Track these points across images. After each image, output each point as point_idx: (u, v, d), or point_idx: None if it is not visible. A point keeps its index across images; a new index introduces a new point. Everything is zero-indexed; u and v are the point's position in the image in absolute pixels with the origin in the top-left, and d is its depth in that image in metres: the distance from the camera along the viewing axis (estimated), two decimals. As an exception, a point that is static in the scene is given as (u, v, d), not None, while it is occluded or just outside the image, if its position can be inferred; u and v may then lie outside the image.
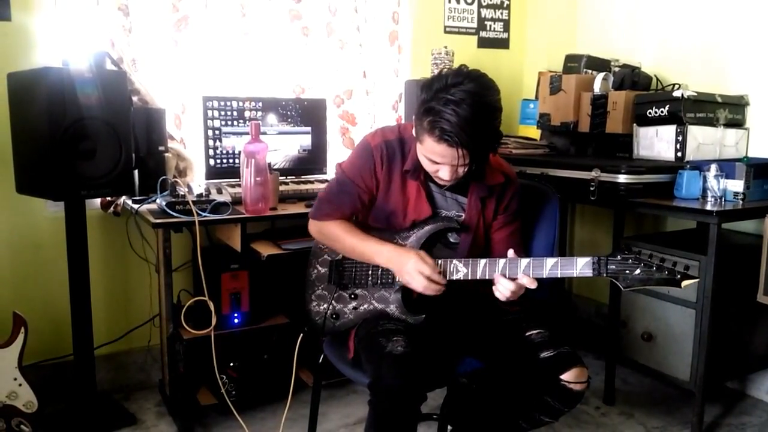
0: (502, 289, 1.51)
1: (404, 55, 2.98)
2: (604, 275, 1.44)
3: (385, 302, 1.69)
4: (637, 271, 1.42)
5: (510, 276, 1.51)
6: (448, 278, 1.57)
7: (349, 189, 1.68)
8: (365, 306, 1.71)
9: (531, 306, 1.78)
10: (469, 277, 1.55)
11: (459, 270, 1.55)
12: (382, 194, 1.70)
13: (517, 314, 1.68)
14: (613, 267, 1.43)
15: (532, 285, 1.49)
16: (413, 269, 1.56)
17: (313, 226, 1.77)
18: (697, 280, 1.41)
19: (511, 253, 1.53)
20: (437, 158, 1.50)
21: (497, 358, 1.63)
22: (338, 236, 1.70)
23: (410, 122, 1.61)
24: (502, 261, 1.52)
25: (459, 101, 1.41)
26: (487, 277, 1.53)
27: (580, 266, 1.46)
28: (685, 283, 1.39)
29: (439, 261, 1.59)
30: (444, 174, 1.52)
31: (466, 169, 1.52)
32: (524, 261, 1.50)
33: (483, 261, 1.54)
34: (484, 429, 1.68)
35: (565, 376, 1.48)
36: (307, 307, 1.81)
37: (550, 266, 1.48)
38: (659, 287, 1.48)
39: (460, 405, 1.75)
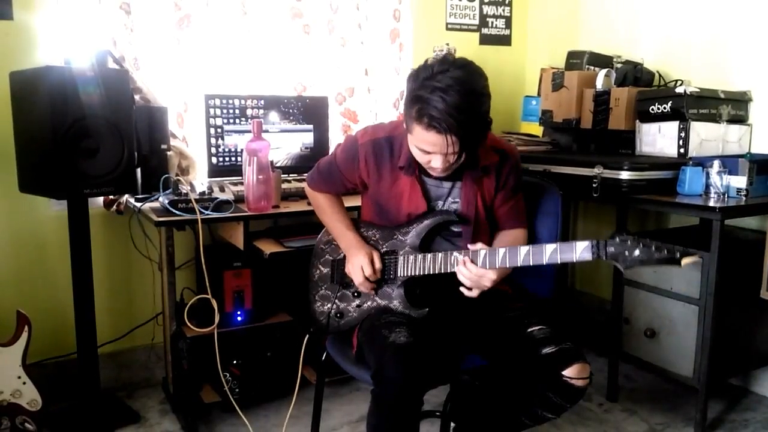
0: (464, 279, 1.55)
1: (406, 53, 2.98)
2: (604, 258, 1.43)
3: (388, 298, 1.69)
4: (637, 252, 1.40)
5: (510, 265, 1.52)
6: (449, 270, 1.58)
7: (336, 175, 1.78)
8: (369, 303, 1.72)
9: (533, 303, 1.78)
10: None
11: (459, 261, 1.56)
12: (373, 189, 1.72)
13: (520, 311, 1.68)
14: (612, 249, 1.42)
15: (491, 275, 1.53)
16: (357, 264, 1.67)
17: (307, 190, 1.91)
18: (696, 257, 1.38)
19: (480, 245, 1.55)
20: (428, 147, 1.49)
21: (499, 355, 1.63)
22: (322, 208, 1.85)
23: (401, 118, 1.61)
24: (501, 250, 1.52)
25: (446, 88, 1.41)
26: (488, 267, 1.53)
27: (580, 250, 1.45)
28: (685, 261, 1.36)
29: (439, 254, 1.60)
30: (436, 163, 1.52)
31: (457, 157, 1.51)
32: (524, 249, 1.50)
33: (483, 252, 1.54)
34: (486, 426, 1.69)
35: (567, 372, 1.48)
36: (311, 308, 1.82)
37: (550, 252, 1.48)
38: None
39: (463, 402, 1.75)
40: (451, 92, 1.41)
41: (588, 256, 1.44)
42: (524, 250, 1.50)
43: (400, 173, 1.66)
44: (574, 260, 1.46)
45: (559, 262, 1.48)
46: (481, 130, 1.51)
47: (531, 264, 1.50)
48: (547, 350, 1.52)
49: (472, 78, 1.45)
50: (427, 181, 1.68)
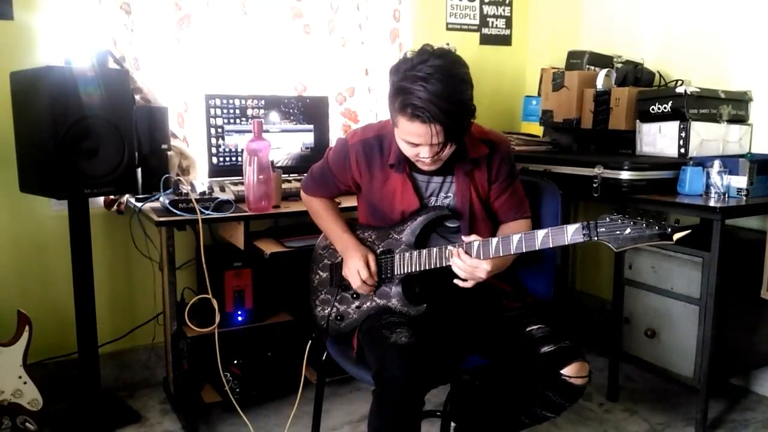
0: (458, 271, 1.55)
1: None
2: (596, 239, 1.42)
3: (386, 297, 1.70)
4: (628, 231, 1.39)
5: (504, 253, 1.51)
6: (445, 264, 1.59)
7: (329, 178, 1.79)
8: (368, 304, 1.72)
9: (533, 302, 1.78)
10: None
11: (453, 254, 1.56)
12: (366, 189, 1.73)
13: (519, 310, 1.68)
14: (604, 229, 1.41)
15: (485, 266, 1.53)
16: (353, 268, 1.67)
17: (303, 196, 1.92)
18: (689, 231, 1.36)
19: (474, 236, 1.55)
20: (414, 139, 1.49)
21: (498, 354, 1.63)
22: (318, 213, 1.86)
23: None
24: (494, 240, 1.52)
25: (427, 77, 1.41)
26: (482, 257, 1.53)
27: (571, 233, 1.44)
28: (677, 235, 1.35)
29: (434, 249, 1.61)
30: (424, 154, 1.51)
31: (443, 148, 1.50)
32: (516, 236, 1.50)
33: (476, 243, 1.54)
34: (487, 425, 1.69)
35: (566, 371, 1.48)
36: (312, 313, 1.83)
37: (542, 237, 1.47)
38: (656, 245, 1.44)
39: (463, 402, 1.75)
40: (432, 80, 1.41)
41: (579, 237, 1.44)
42: (516, 237, 1.50)
43: (391, 171, 1.67)
44: (566, 243, 1.45)
45: (551, 245, 1.47)
46: (464, 117, 1.50)
47: (524, 250, 1.49)
48: (545, 349, 1.52)
49: (452, 66, 1.45)
50: (418, 177, 1.68)
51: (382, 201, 1.70)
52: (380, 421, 1.51)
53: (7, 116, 2.08)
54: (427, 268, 1.63)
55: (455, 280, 1.57)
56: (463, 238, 1.57)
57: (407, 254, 1.66)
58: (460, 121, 1.48)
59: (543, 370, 1.51)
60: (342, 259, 1.75)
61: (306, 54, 2.75)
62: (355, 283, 1.68)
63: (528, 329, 1.59)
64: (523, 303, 1.74)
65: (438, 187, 1.69)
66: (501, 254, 1.52)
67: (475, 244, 1.54)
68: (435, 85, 1.41)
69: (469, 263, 1.53)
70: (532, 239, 1.48)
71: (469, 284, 1.57)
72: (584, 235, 1.43)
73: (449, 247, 1.58)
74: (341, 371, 1.75)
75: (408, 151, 1.55)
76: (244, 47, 2.63)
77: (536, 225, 1.85)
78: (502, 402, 1.63)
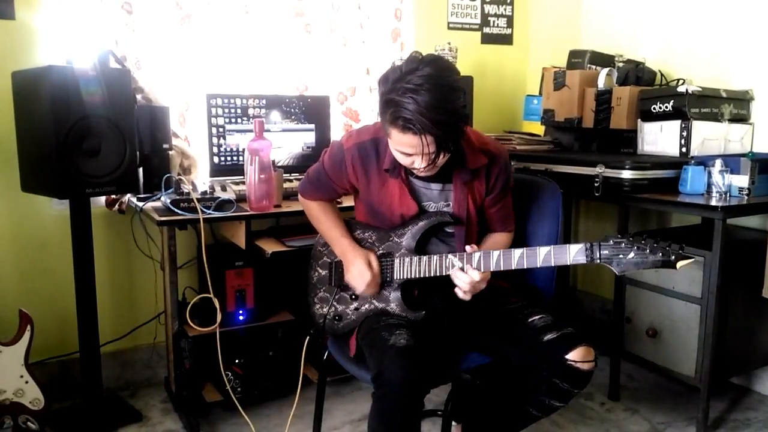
0: (461, 284, 1.54)
1: (407, 52, 2.95)
2: (598, 261, 1.42)
3: (385, 301, 1.69)
4: (631, 255, 1.39)
5: (504, 268, 1.52)
6: (444, 273, 1.59)
7: (326, 181, 1.77)
8: (366, 306, 1.72)
9: (533, 296, 1.78)
10: None
11: (455, 265, 1.56)
12: (364, 193, 1.72)
13: (519, 303, 1.68)
14: (606, 252, 1.41)
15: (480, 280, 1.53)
16: (356, 271, 1.65)
17: (301, 199, 1.88)
18: (692, 260, 1.37)
19: (469, 248, 1.55)
20: (407, 149, 1.48)
21: (502, 347, 1.63)
22: (315, 216, 1.82)
23: None
24: (496, 253, 1.52)
25: (416, 88, 1.40)
26: (482, 269, 1.53)
27: (573, 253, 1.45)
28: (680, 264, 1.36)
29: (435, 257, 1.60)
30: (419, 164, 1.51)
31: (437, 156, 1.48)
32: (518, 251, 1.50)
33: (477, 254, 1.54)
34: (495, 422, 1.68)
35: (571, 356, 1.48)
36: (310, 311, 1.82)
37: (544, 255, 1.48)
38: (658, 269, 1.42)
39: (465, 401, 1.75)
40: (421, 91, 1.39)
41: (582, 259, 1.44)
42: (518, 252, 1.50)
43: (388, 176, 1.66)
44: (568, 263, 1.47)
45: (552, 264, 1.48)
46: (456, 125, 1.48)
47: (525, 266, 1.50)
48: (549, 336, 1.52)
49: (441, 74, 1.43)
50: (416, 182, 1.67)
51: (381, 204, 1.69)
52: (380, 424, 1.50)
53: (9, 116, 2.09)
54: (426, 275, 1.62)
55: (455, 290, 1.57)
56: (467, 248, 1.57)
57: (407, 259, 1.65)
58: (452, 129, 1.47)
59: (548, 357, 1.50)
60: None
61: (307, 53, 2.75)
62: (360, 287, 1.67)
63: (530, 320, 1.59)
64: (523, 297, 1.73)
65: (436, 194, 1.68)
66: (501, 268, 1.52)
67: (476, 255, 1.54)
68: (424, 95, 1.39)
69: (473, 277, 1.53)
70: (533, 256, 1.49)
71: (468, 297, 1.57)
72: (587, 256, 1.44)
73: (449, 257, 1.57)
74: (343, 370, 1.76)
75: (402, 160, 1.54)
76: (246, 46, 2.64)
77: (537, 224, 1.86)
78: (508, 396, 1.63)
